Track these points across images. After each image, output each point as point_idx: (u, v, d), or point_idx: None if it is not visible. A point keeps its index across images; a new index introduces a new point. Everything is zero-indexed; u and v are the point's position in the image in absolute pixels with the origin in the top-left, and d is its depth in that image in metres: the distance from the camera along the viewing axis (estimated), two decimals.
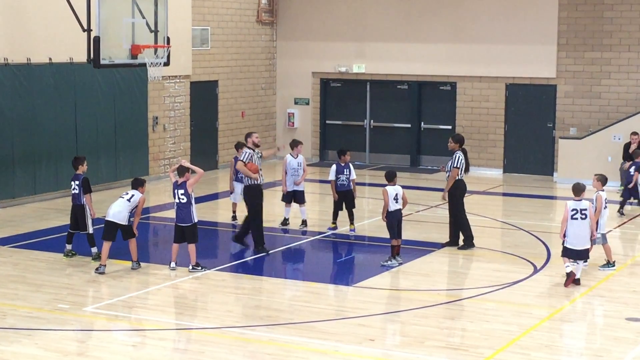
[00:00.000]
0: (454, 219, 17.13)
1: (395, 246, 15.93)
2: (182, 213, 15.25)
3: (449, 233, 17.28)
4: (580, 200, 14.64)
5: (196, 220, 15.33)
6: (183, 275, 15.18)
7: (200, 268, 15.32)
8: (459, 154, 16.95)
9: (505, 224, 19.75)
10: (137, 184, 15.60)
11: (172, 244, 15.58)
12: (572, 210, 14.57)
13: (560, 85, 25.79)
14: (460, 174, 16.92)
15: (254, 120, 28.13)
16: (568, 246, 14.61)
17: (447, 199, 17.14)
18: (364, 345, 11.88)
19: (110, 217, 15.31)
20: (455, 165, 16.89)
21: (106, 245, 15.31)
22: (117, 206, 15.35)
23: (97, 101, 22.55)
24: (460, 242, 17.13)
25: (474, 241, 17.07)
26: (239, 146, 19.06)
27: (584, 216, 14.56)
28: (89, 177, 16.32)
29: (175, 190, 15.28)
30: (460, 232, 17.12)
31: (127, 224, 15.32)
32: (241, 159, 16.81)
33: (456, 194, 17.04)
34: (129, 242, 15.43)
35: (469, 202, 22.03)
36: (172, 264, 15.45)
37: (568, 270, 14.53)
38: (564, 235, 14.64)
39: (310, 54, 28.51)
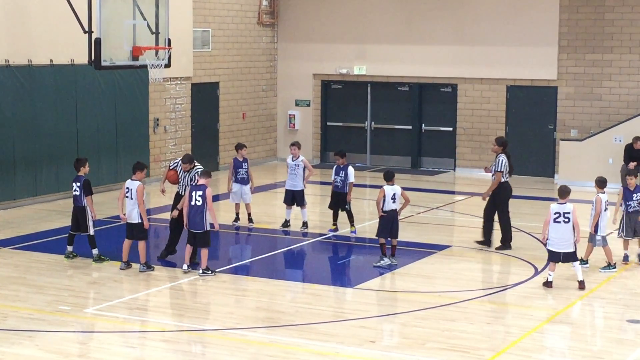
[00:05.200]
0: (500, 220, 17.27)
1: (384, 244, 15.94)
2: (195, 217, 15.07)
3: (482, 233, 17.43)
4: (565, 203, 14.57)
5: (209, 228, 15.22)
6: (184, 277, 15.18)
7: (210, 272, 15.27)
8: (502, 157, 17.08)
9: None
10: (135, 169, 15.63)
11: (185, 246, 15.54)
12: (555, 213, 14.51)
13: (561, 87, 25.80)
14: (505, 176, 17.05)
15: (255, 122, 28.13)
16: (551, 249, 14.61)
17: (486, 199, 17.29)
18: (364, 347, 11.88)
19: (128, 220, 15.51)
20: (498, 169, 17.02)
21: (125, 243, 15.52)
22: (128, 208, 15.48)
23: (98, 103, 22.55)
24: (498, 243, 17.39)
25: (511, 243, 17.25)
26: (239, 147, 19.14)
27: (567, 219, 14.45)
28: (90, 179, 16.32)
29: (193, 192, 15.13)
30: (491, 233, 17.36)
31: (138, 221, 15.38)
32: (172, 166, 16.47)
33: (501, 196, 17.16)
34: (138, 242, 15.47)
35: (470, 203, 22.11)
36: (185, 266, 15.40)
37: (550, 279, 14.57)
38: (547, 238, 14.62)
39: (311, 56, 28.51)
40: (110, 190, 22.40)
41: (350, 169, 18.26)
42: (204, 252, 15.20)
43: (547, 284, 14.57)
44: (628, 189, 16.16)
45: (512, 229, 17.44)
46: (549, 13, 25.62)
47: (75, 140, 21.99)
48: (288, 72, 28.79)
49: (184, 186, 16.03)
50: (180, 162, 16.20)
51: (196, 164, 16.21)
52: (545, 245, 14.75)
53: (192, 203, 15.05)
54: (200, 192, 15.01)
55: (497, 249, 17.24)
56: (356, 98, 28.45)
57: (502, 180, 17.09)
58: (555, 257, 14.59)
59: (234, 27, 27.01)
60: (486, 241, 17.38)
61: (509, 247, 17.18)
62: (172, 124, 25.02)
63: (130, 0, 17.99)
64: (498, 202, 17.21)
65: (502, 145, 17.24)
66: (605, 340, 12.43)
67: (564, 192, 14.67)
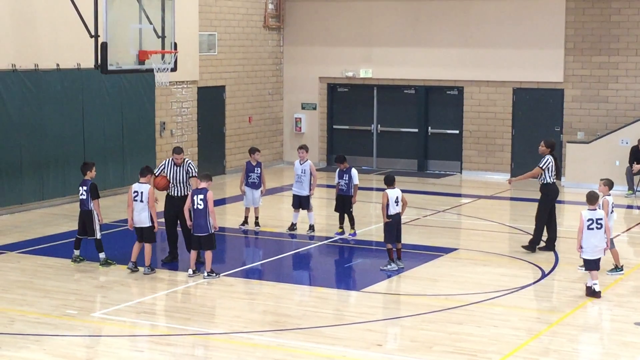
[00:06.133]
0: (537, 221, 17.29)
1: (391, 249, 15.93)
2: (199, 221, 15.10)
3: (547, 238, 17.42)
4: (595, 209, 14.34)
5: (212, 230, 15.24)
6: (191, 280, 15.18)
7: (214, 275, 15.28)
8: (548, 157, 17.16)
9: (513, 228, 19.72)
10: (144, 173, 15.66)
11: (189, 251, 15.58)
12: (588, 220, 14.23)
13: (568, 90, 25.77)
14: (551, 178, 17.10)
15: (261, 125, 28.14)
16: (586, 257, 14.27)
17: (510, 183, 17.95)
18: (371, 350, 11.87)
19: (136, 224, 15.51)
20: (540, 165, 17.13)
21: (136, 246, 15.56)
22: (137, 211, 15.47)
23: (104, 107, 22.59)
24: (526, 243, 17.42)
25: (537, 247, 17.22)
26: (252, 151, 19.14)
27: (599, 226, 14.22)
28: (97, 183, 16.34)
29: (195, 196, 15.16)
30: (551, 233, 17.30)
31: (149, 224, 15.42)
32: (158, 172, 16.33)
33: (546, 197, 17.23)
34: (144, 245, 15.47)
35: (476, 206, 22.10)
36: (190, 271, 15.39)
37: (597, 288, 14.19)
38: (581, 247, 14.31)
39: (317, 59, 28.53)
40: (117, 194, 22.43)
41: (354, 171, 18.30)
42: (209, 255, 15.22)
43: (595, 294, 14.16)
44: None
45: (520, 232, 17.42)
46: (555, 15, 25.60)
47: (82, 144, 22.03)
48: (294, 75, 28.81)
49: (178, 185, 16.07)
50: (173, 155, 16.20)
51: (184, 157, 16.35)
52: (580, 255, 14.47)
53: (195, 207, 15.08)
54: (201, 196, 15.04)
55: (523, 246, 17.27)
56: (362, 101, 28.45)
57: (547, 181, 17.12)
58: (592, 265, 14.25)
59: (239, 31, 27.03)
60: (549, 244, 17.29)
61: (534, 250, 17.12)
62: (179, 127, 25.04)
63: (136, 5, 18.02)
64: (542, 202, 17.25)
65: (549, 147, 17.36)
66: (613, 343, 12.40)
67: (593, 197, 14.38)
